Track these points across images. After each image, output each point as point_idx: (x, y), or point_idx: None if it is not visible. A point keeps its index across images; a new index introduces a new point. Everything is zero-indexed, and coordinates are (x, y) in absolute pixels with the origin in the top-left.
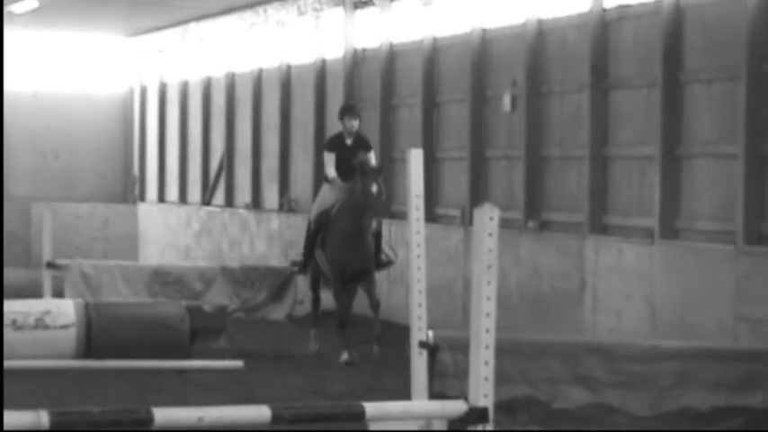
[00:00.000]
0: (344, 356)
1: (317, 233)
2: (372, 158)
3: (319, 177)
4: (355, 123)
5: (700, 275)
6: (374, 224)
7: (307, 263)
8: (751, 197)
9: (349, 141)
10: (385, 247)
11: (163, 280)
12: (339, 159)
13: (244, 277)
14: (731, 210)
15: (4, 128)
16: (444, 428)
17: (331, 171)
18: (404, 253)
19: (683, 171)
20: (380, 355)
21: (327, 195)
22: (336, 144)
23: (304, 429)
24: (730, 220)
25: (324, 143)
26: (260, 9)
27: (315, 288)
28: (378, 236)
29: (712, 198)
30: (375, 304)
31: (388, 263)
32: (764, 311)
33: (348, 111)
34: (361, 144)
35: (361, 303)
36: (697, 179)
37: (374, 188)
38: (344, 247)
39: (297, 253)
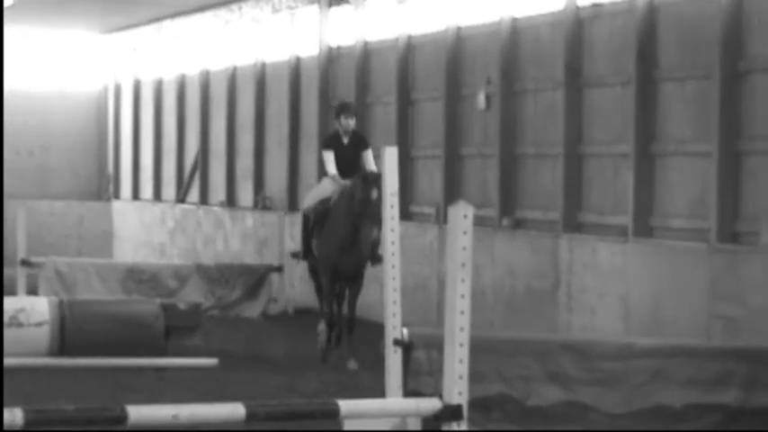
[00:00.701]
0: (352, 365)
1: (315, 224)
2: (371, 160)
3: (294, 175)
4: (352, 122)
5: (674, 273)
6: (375, 232)
7: (305, 252)
8: (725, 195)
9: (346, 140)
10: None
11: (137, 278)
12: (336, 157)
13: (218, 275)
14: (705, 208)
15: (4, 128)
16: (419, 426)
17: (332, 168)
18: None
19: (656, 169)
20: (358, 367)
21: (327, 187)
22: (333, 142)
23: (278, 427)
24: (704, 218)
25: (321, 142)
26: (234, 7)
27: (315, 275)
28: (377, 241)
29: (686, 196)
30: (350, 322)
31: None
32: (738, 309)
33: (345, 109)
34: (359, 142)
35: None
36: (671, 177)
37: (374, 194)
38: (339, 249)
39: (296, 245)
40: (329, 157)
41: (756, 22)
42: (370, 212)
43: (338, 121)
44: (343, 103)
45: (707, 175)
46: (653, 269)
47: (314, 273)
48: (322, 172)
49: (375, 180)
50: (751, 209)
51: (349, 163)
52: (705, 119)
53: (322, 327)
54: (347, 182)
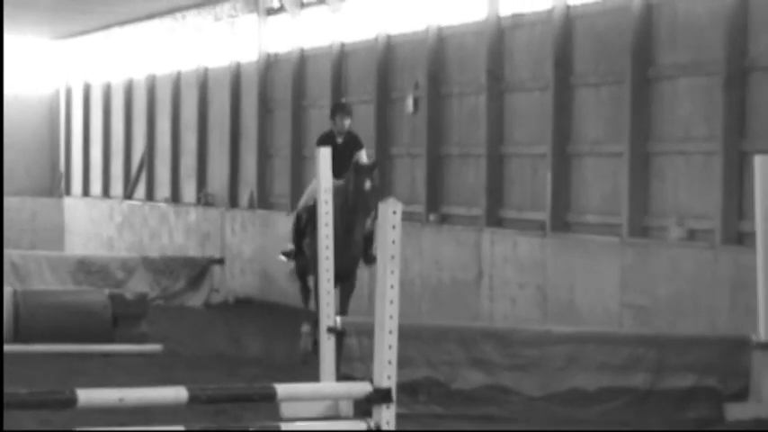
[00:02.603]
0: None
1: (307, 223)
2: (364, 157)
3: (234, 173)
4: (347, 122)
5: (588, 265)
6: (369, 223)
7: (298, 252)
8: (635, 193)
9: (340, 140)
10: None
11: (87, 269)
12: (331, 158)
13: (163, 267)
14: (617, 204)
15: (3, 128)
16: (351, 408)
17: None
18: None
19: (572, 168)
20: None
21: (318, 188)
22: (327, 142)
23: (219, 409)
24: (616, 214)
25: (316, 141)
26: (179, 15)
27: (302, 275)
28: (371, 234)
29: (599, 193)
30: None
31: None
32: (647, 299)
33: (340, 109)
34: (353, 142)
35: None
36: (586, 176)
37: (367, 185)
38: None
39: (286, 244)
40: None
41: (664, 33)
42: (363, 203)
43: (333, 120)
44: (339, 102)
45: (619, 174)
46: (569, 261)
47: (301, 273)
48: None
49: (368, 171)
50: (659, 206)
51: (343, 163)
52: (617, 122)
53: (306, 328)
54: (340, 181)
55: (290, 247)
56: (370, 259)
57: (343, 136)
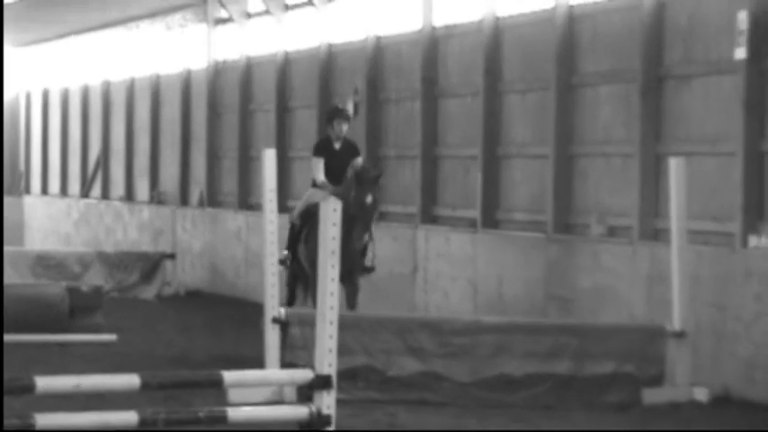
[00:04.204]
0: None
1: (302, 229)
2: (360, 163)
3: (185, 173)
4: (345, 127)
5: (515, 260)
6: (366, 237)
7: (293, 259)
8: (559, 192)
9: (337, 146)
10: (369, 253)
11: (45, 263)
12: (327, 164)
13: (118, 261)
14: (542, 203)
15: (3, 128)
16: (294, 394)
17: (320, 176)
18: (260, 240)
19: (501, 169)
20: None
21: (316, 194)
22: (324, 149)
23: (169, 395)
24: (541, 212)
25: (312, 147)
26: (132, 25)
27: (291, 285)
28: (365, 247)
29: (526, 193)
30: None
31: (371, 269)
32: (570, 291)
33: (338, 114)
34: (350, 149)
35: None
36: (514, 176)
37: (368, 199)
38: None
39: (281, 251)
40: (318, 165)
41: (586, 44)
42: (363, 216)
43: (330, 125)
44: (336, 107)
45: (544, 174)
46: (498, 256)
47: (292, 281)
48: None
49: (371, 183)
50: (582, 204)
51: (340, 170)
52: (543, 126)
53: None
54: (338, 188)
55: (284, 254)
56: (365, 270)
57: (340, 141)
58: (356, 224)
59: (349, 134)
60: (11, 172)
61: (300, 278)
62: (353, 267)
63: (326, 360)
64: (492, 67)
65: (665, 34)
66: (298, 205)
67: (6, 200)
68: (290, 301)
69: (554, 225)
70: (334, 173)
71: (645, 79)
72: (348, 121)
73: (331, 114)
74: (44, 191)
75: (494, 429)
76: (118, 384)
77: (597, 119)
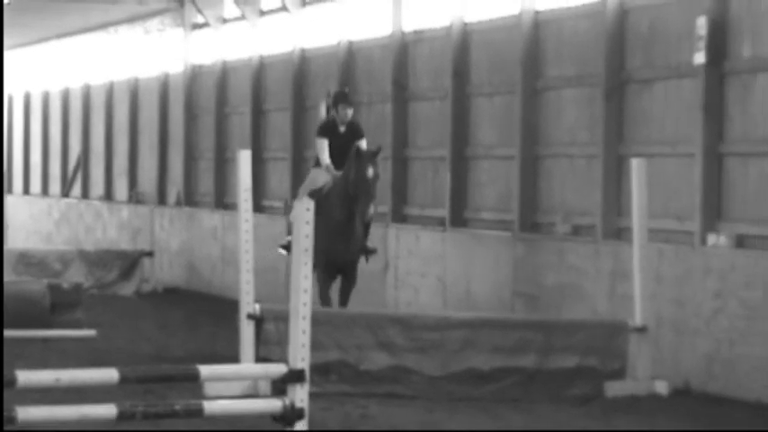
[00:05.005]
0: None
1: None
2: (364, 145)
3: (163, 174)
4: (349, 112)
5: (483, 258)
6: (370, 211)
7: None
8: (525, 192)
9: (342, 129)
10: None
11: (27, 261)
12: (331, 147)
13: (97, 259)
14: (509, 202)
15: (3, 128)
16: (268, 388)
17: (325, 157)
18: (235, 238)
19: (469, 170)
20: None
21: (317, 178)
22: (329, 130)
23: (147, 389)
24: (508, 211)
25: (316, 129)
26: (111, 29)
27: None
28: (369, 224)
29: (494, 193)
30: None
31: (374, 250)
32: (535, 288)
33: (342, 98)
34: (354, 132)
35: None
36: (481, 177)
37: (369, 172)
38: (334, 237)
39: (285, 238)
40: (323, 146)
41: (551, 49)
42: (365, 190)
43: (336, 109)
44: (341, 92)
45: (511, 175)
46: (466, 254)
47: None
48: (306, 165)
49: (370, 157)
50: (547, 203)
51: (344, 152)
52: (509, 128)
53: None
54: (340, 173)
55: (288, 239)
56: (369, 252)
57: (345, 125)
58: (358, 202)
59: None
60: None
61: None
62: (356, 255)
63: (300, 355)
64: (460, 71)
65: (628, 40)
66: (301, 189)
67: None
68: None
69: (520, 224)
70: (339, 155)
71: (608, 83)
72: (351, 106)
73: (335, 99)
74: (26, 191)
75: (462, 421)
76: (97, 378)
77: (562, 121)
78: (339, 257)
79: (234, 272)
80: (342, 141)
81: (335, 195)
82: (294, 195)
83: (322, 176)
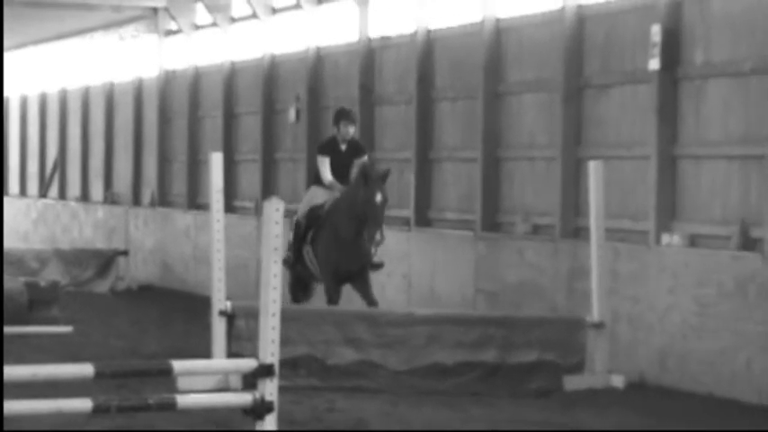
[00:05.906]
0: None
1: (308, 230)
2: (366, 161)
3: (137, 175)
4: (352, 129)
5: (446, 256)
6: (378, 237)
7: (296, 260)
8: (487, 193)
9: (343, 147)
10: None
11: (5, 260)
12: (332, 164)
13: (74, 258)
14: (471, 203)
15: (3, 128)
16: (239, 382)
17: (327, 175)
18: (208, 237)
19: (433, 171)
20: None
21: (319, 193)
22: (330, 148)
23: (122, 383)
24: (471, 212)
25: (317, 147)
26: (87, 36)
27: (294, 288)
28: (378, 244)
29: (456, 193)
30: (374, 306)
31: (381, 264)
32: (497, 285)
33: (344, 116)
34: (356, 149)
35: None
36: (445, 178)
37: (378, 198)
38: (340, 250)
39: (285, 251)
40: (324, 164)
41: (512, 55)
42: (374, 215)
43: (337, 127)
44: (343, 109)
45: (473, 176)
46: (430, 253)
47: (294, 284)
48: (310, 179)
49: (379, 182)
50: (508, 204)
51: (345, 170)
52: (472, 131)
53: None
54: (344, 187)
55: (288, 255)
56: (374, 266)
57: (346, 143)
58: (367, 224)
59: (356, 135)
60: None
61: (302, 281)
62: (365, 266)
63: (269, 350)
64: (425, 76)
65: (585, 46)
66: (301, 206)
67: None
68: (295, 302)
69: (482, 224)
70: (339, 172)
71: (566, 88)
72: (354, 124)
73: (337, 116)
74: (4, 191)
75: (426, 414)
76: (73, 373)
77: (522, 125)
78: (345, 267)
79: (206, 270)
80: (343, 159)
81: (341, 213)
82: (265, 196)
83: (321, 193)
